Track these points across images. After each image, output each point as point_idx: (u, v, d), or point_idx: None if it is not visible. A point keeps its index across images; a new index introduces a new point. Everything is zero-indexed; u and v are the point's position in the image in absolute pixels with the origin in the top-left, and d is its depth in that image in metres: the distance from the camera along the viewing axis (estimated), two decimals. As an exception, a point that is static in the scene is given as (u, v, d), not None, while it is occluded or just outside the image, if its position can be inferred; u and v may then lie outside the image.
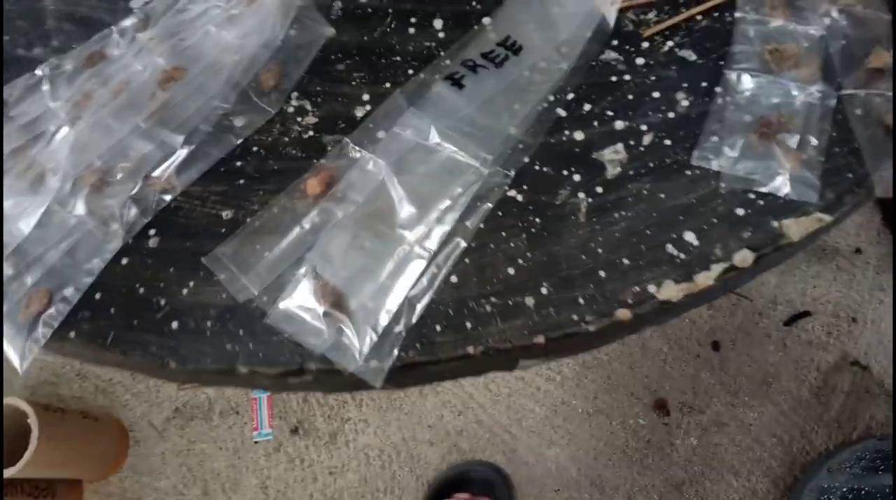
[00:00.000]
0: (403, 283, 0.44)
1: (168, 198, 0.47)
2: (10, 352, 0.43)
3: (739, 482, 1.23)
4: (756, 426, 1.26)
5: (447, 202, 0.46)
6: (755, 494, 1.22)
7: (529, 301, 0.44)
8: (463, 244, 0.45)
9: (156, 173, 0.47)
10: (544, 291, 0.45)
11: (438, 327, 0.44)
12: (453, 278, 0.45)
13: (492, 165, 0.46)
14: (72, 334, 0.44)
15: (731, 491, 1.23)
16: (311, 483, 1.27)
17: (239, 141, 0.49)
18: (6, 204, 0.45)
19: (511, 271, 0.45)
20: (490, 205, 0.46)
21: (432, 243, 0.45)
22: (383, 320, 0.43)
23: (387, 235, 0.45)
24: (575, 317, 0.44)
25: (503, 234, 0.46)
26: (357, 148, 0.48)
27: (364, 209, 0.46)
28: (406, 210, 0.46)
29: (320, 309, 0.43)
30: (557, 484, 1.25)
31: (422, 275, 0.45)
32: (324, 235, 0.45)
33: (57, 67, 0.50)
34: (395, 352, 0.43)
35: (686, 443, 1.26)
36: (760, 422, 1.26)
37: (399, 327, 0.43)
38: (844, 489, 1.06)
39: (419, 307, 0.44)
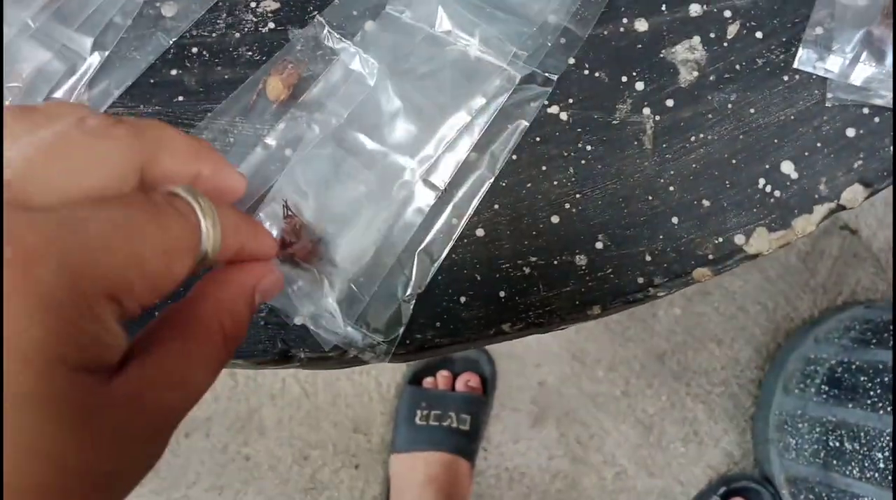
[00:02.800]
0: (407, 230, 0.33)
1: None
2: None
3: (722, 351, 1.20)
4: (740, 293, 1.22)
5: (464, 118, 0.33)
6: (737, 362, 1.20)
7: (581, 260, 0.34)
8: (489, 179, 0.34)
9: (60, 92, 0.34)
10: (600, 245, 0.34)
11: (463, 299, 0.34)
12: (480, 232, 0.34)
13: (526, 65, 0.34)
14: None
15: (713, 360, 1.20)
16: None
17: (171, 40, 0.35)
18: None
19: (555, 219, 0.34)
20: (526, 123, 0.34)
21: (443, 176, 0.33)
22: (383, 281, 0.32)
23: (379, 161, 0.33)
24: (640, 280, 0.34)
25: (543, 168, 0.34)
26: (337, 35, 0.34)
27: (350, 126, 0.33)
28: (403, 128, 0.33)
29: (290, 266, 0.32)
30: (538, 359, 1.21)
31: (435, 220, 0.33)
32: (296, 157, 0.33)
33: None
34: (402, 326, 0.32)
35: (669, 314, 1.22)
36: (745, 290, 1.22)
37: (408, 292, 0.33)
38: (833, 362, 1.03)
39: (435, 265, 0.33)
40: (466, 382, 1.15)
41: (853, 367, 1.00)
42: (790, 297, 1.21)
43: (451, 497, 1.08)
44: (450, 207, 0.33)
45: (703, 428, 1.20)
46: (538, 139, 0.34)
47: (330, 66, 0.34)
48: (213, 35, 0.35)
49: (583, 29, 0.35)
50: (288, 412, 1.22)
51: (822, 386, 1.03)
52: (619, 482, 1.20)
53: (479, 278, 0.34)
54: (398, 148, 0.33)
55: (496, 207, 0.34)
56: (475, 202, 0.33)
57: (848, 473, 0.95)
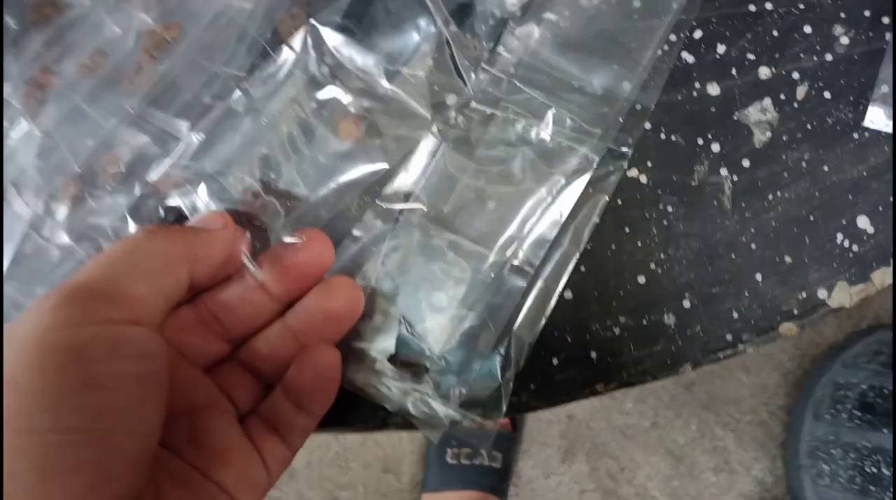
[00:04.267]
0: (499, 311, 0.34)
1: (177, 203, 0.35)
2: None
3: (749, 379, 1.21)
4: (765, 320, 1.23)
5: (545, 200, 0.35)
6: (765, 389, 1.21)
7: (669, 319, 0.35)
8: (575, 255, 0.35)
9: (155, 174, 0.35)
10: (687, 304, 0.35)
11: (556, 361, 0.34)
12: (568, 294, 0.35)
13: (601, 142, 0.35)
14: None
15: (741, 388, 1.21)
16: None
17: (264, 120, 0.36)
18: (-44, 236, 0.33)
19: (642, 279, 0.35)
20: (606, 198, 0.35)
21: (529, 258, 0.34)
22: (480, 363, 0.33)
23: (464, 247, 0.34)
24: (729, 336, 0.35)
25: (627, 230, 0.35)
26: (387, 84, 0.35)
27: (432, 214, 0.35)
28: (484, 214, 0.34)
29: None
30: (566, 393, 1.21)
31: (525, 300, 0.34)
32: (385, 248, 0.34)
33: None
34: (504, 406, 0.33)
35: (695, 343, 1.22)
36: (770, 317, 1.23)
37: (507, 372, 0.34)
38: (864, 387, 1.04)
39: (530, 342, 0.34)
40: (496, 418, 1.15)
41: (885, 391, 1.01)
42: (814, 322, 1.22)
43: (484, 536, 1.08)
44: (539, 284, 0.34)
45: (733, 457, 1.20)
46: (620, 202, 0.35)
47: (410, 157, 0.35)
48: (303, 115, 0.36)
49: (650, 100, 0.36)
50: (317, 454, 1.22)
51: (854, 412, 1.04)
52: (653, 514, 1.20)
53: (569, 340, 0.35)
54: (481, 234, 0.34)
55: (582, 269, 0.35)
56: (564, 279, 0.34)
57: (887, 499, 0.95)
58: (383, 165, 0.35)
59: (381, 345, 0.33)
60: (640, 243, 0.35)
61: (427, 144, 0.36)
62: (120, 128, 0.34)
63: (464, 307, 0.34)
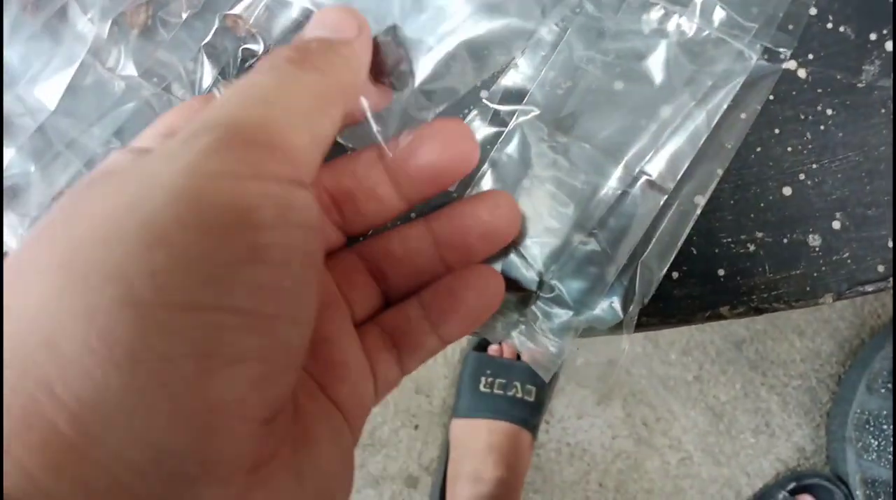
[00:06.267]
0: (625, 235, 0.29)
1: (259, 48, 0.31)
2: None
3: (803, 343, 1.16)
4: (828, 284, 1.17)
5: (687, 105, 0.29)
6: (818, 355, 1.16)
7: (814, 240, 0.30)
8: (719, 173, 0.29)
9: (238, 8, 0.30)
10: (837, 225, 0.30)
11: (676, 274, 0.30)
12: (698, 199, 0.30)
13: (755, 39, 0.29)
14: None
15: (793, 351, 1.16)
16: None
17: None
18: (10, 56, 0.29)
19: (787, 191, 0.30)
20: (757, 107, 0.29)
21: (665, 173, 0.29)
22: (602, 297, 0.29)
23: (586, 158, 0.29)
24: (881, 268, 0.30)
25: (776, 131, 0.30)
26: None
27: (549, 118, 0.29)
28: (613, 119, 0.29)
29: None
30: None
31: (658, 224, 0.29)
32: (495, 154, 0.29)
33: None
34: (626, 346, 0.29)
35: (751, 300, 1.17)
36: (834, 281, 1.17)
37: (632, 309, 0.29)
38: (928, 364, 0.98)
39: (659, 276, 0.29)
40: (534, 353, 1.11)
41: (951, 371, 0.96)
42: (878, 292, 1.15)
43: (511, 467, 1.06)
44: (675, 206, 0.29)
45: (775, 420, 1.16)
46: (772, 98, 0.30)
47: (526, 52, 0.30)
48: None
49: (815, -10, 0.30)
50: (347, 369, 1.20)
51: (914, 388, 0.99)
52: (684, 467, 1.16)
53: (695, 253, 0.30)
54: (608, 142, 0.29)
55: (719, 171, 0.30)
56: (703, 200, 0.29)
57: (940, 481, 0.91)
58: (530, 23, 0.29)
59: None
60: (789, 148, 0.30)
61: (545, 33, 0.30)
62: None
63: (582, 229, 0.29)
